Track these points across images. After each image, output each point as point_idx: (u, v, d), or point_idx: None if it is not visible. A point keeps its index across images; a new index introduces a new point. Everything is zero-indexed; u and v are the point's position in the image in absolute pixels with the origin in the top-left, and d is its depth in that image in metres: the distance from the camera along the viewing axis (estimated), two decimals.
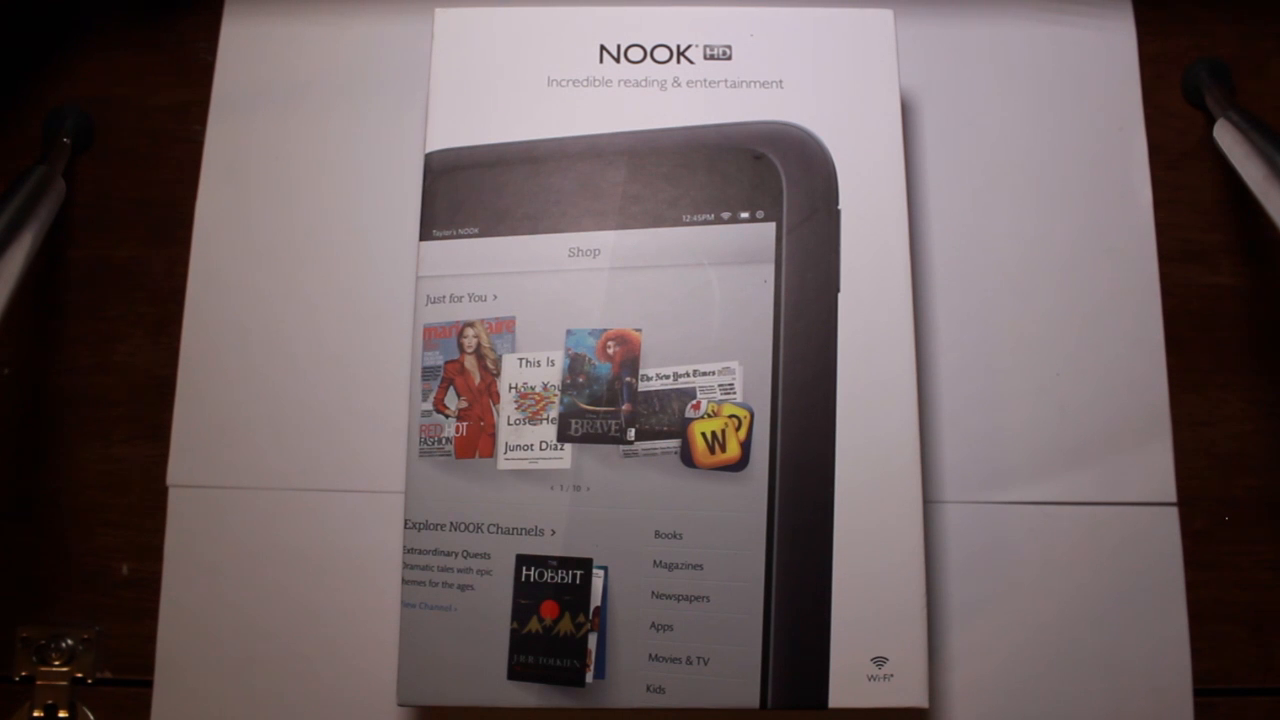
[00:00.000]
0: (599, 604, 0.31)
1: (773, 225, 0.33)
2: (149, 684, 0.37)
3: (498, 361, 0.33)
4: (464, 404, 0.33)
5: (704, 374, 0.32)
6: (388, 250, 0.39)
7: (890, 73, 0.35)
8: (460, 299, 0.33)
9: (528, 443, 0.32)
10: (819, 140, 0.34)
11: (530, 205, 0.33)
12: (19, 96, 0.42)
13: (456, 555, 0.32)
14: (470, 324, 0.33)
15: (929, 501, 0.37)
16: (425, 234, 0.34)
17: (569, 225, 0.33)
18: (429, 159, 0.34)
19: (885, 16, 0.35)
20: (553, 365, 0.32)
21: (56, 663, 0.37)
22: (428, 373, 0.33)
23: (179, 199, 0.40)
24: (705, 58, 0.35)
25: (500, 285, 0.33)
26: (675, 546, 0.31)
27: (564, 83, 0.35)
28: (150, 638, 0.37)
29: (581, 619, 0.31)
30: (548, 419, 0.32)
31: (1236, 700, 0.36)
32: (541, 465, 0.32)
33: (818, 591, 0.31)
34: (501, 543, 0.31)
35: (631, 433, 0.32)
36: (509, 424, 0.32)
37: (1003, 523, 0.37)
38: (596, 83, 0.35)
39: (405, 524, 0.32)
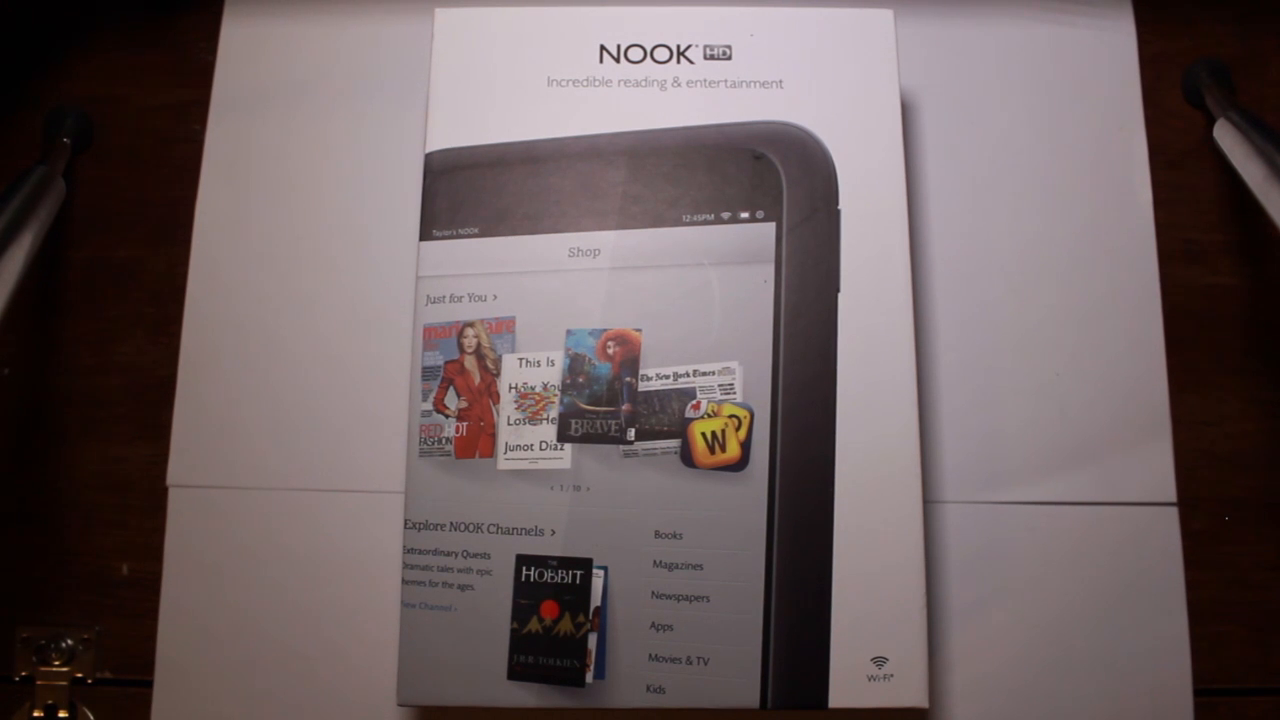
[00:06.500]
0: (599, 604, 0.31)
1: (773, 225, 0.33)
2: (149, 684, 0.37)
3: (498, 361, 0.33)
4: (464, 404, 0.33)
5: (704, 374, 0.32)
6: (388, 250, 0.39)
7: (890, 73, 0.35)
8: (460, 299, 0.33)
9: (528, 443, 0.32)
10: (819, 140, 0.34)
11: (530, 205, 0.33)
12: (19, 96, 0.42)
13: (456, 555, 0.32)
14: (470, 324, 0.33)
15: (929, 501, 0.37)
16: (425, 234, 0.34)
17: (569, 225, 0.33)
18: (429, 159, 0.34)
19: (885, 16, 0.35)
20: (553, 365, 0.32)
21: (56, 663, 0.37)
22: (428, 373, 0.33)
23: (179, 199, 0.40)
24: (705, 58, 0.35)
25: (500, 285, 0.33)
26: (675, 546, 0.31)
27: (564, 83, 0.35)
28: (150, 638, 0.37)
29: (581, 619, 0.31)
30: (548, 419, 0.32)
31: (1236, 700, 0.36)
32: (541, 465, 0.32)
33: (818, 591, 0.31)
34: (501, 543, 0.31)
35: (631, 433, 0.32)
36: (509, 424, 0.32)
37: (1003, 523, 0.37)
38: (596, 83, 0.35)
39: (405, 524, 0.32)
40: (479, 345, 0.33)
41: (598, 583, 0.31)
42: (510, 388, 0.33)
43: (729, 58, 0.35)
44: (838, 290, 0.33)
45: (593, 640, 0.31)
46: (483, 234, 0.33)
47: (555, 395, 0.32)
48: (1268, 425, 0.38)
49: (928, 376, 0.38)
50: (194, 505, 0.38)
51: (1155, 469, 0.37)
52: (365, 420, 0.38)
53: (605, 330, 0.32)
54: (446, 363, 0.33)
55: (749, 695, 0.30)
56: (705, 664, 0.31)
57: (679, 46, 0.35)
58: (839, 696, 0.30)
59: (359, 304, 0.39)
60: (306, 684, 0.36)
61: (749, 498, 0.31)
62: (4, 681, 0.37)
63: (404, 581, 0.32)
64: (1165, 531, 0.37)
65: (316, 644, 0.36)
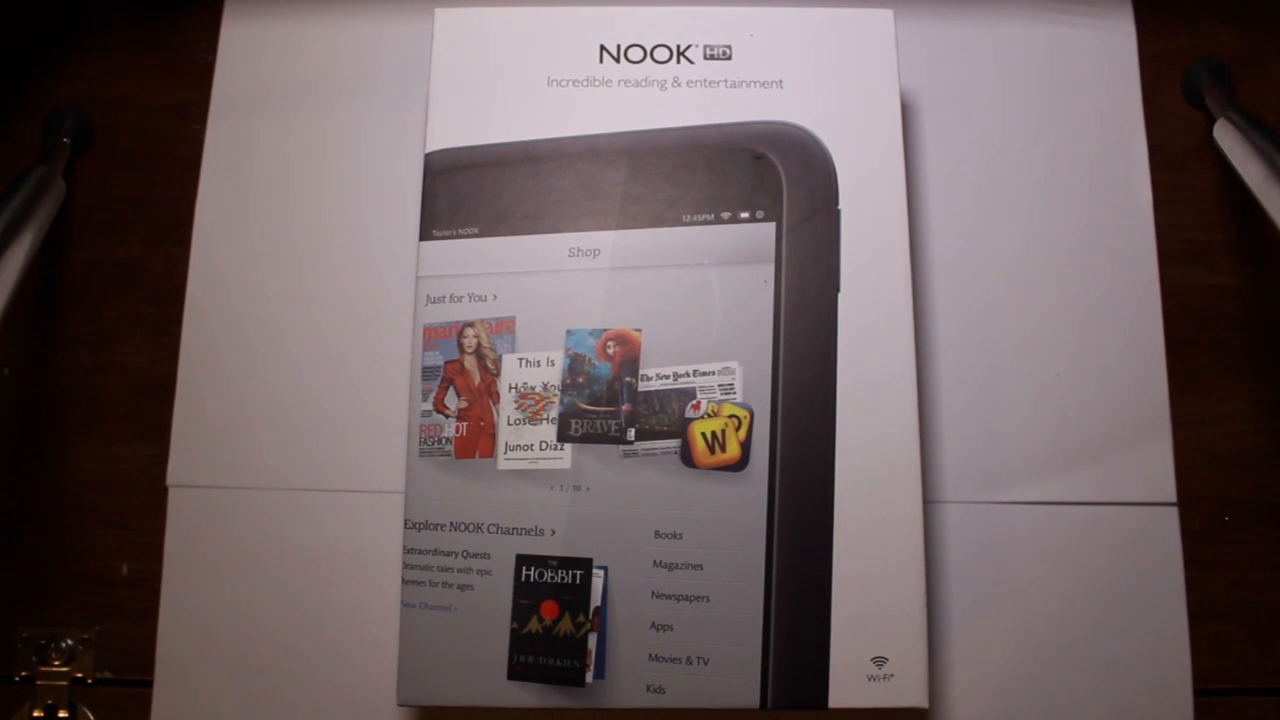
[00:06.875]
0: (599, 604, 0.31)
1: (773, 225, 0.33)
2: (149, 684, 0.37)
3: (498, 361, 0.33)
4: (464, 404, 0.33)
5: (704, 374, 0.32)
6: (388, 250, 0.39)
7: (890, 73, 0.35)
8: (460, 299, 0.33)
9: (528, 443, 0.32)
10: (819, 140, 0.34)
11: (530, 205, 0.33)
12: (19, 96, 0.42)
13: (456, 555, 0.32)
14: (470, 324, 0.33)
15: (929, 501, 0.37)
16: (425, 234, 0.34)
17: (569, 225, 0.33)
18: (429, 159, 0.34)
19: (885, 16, 0.35)
20: (553, 365, 0.32)
21: (56, 663, 0.37)
22: (428, 373, 0.33)
23: (179, 199, 0.40)
24: (705, 58, 0.35)
25: (500, 285, 0.33)
26: (675, 546, 0.31)
27: (564, 83, 0.35)
28: (150, 638, 0.37)
29: (581, 619, 0.31)
30: (548, 419, 0.32)
31: (1236, 700, 0.36)
32: (541, 465, 0.32)
33: (818, 591, 0.31)
34: (501, 543, 0.31)
35: (631, 433, 0.32)
36: (509, 424, 0.32)
37: (1003, 523, 0.37)
38: (596, 83, 0.35)
39: (405, 524, 0.32)
40: (479, 345, 0.33)
41: (598, 583, 0.31)
42: (510, 388, 0.33)
43: (729, 58, 0.35)
44: (838, 290, 0.33)
45: (593, 640, 0.31)
46: (483, 234, 0.33)
47: (555, 395, 0.32)
48: (1268, 425, 0.38)
49: (928, 376, 0.38)
50: (194, 505, 0.38)
51: (1155, 469, 0.37)
52: (365, 420, 0.38)
53: (605, 330, 0.32)
54: (446, 363, 0.33)
55: (749, 695, 0.30)
56: (705, 664, 0.31)
57: (679, 46, 0.35)
58: (839, 696, 0.30)
59: (359, 304, 0.39)
60: (306, 684, 0.36)
61: (749, 498, 0.31)
62: (4, 681, 0.37)
63: (404, 581, 0.32)
64: (1165, 531, 0.37)
65: (316, 644, 0.36)
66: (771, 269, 0.33)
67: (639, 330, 0.32)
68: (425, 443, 0.32)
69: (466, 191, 0.34)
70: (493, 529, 0.32)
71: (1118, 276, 0.39)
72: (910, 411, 0.32)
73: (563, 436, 0.32)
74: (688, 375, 0.32)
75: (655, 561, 0.31)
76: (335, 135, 0.40)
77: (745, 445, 0.32)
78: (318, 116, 0.41)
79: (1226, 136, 0.37)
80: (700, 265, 0.33)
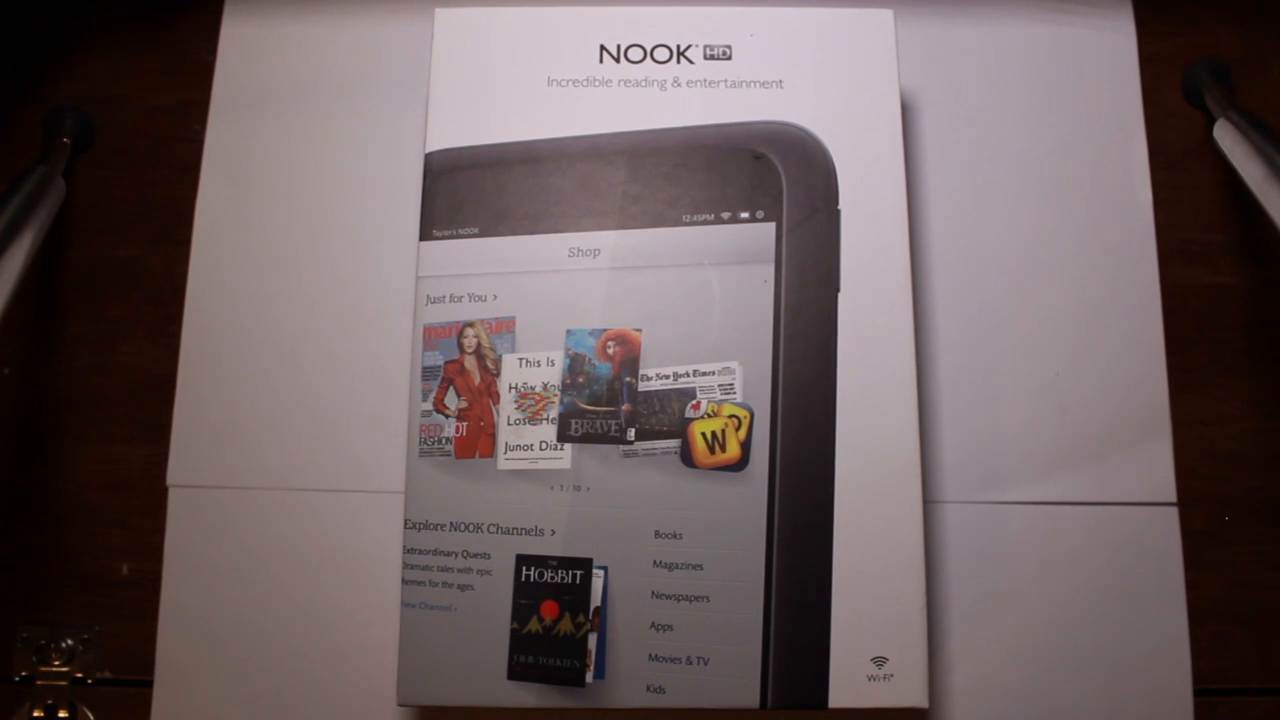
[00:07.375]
0: (599, 604, 0.31)
1: (773, 225, 0.33)
2: (149, 684, 0.37)
3: (498, 361, 0.33)
4: (464, 404, 0.33)
5: (704, 374, 0.32)
6: (388, 250, 0.39)
7: (890, 73, 0.35)
8: (460, 299, 0.33)
9: (528, 443, 0.32)
10: (819, 140, 0.34)
11: (530, 205, 0.33)
12: (19, 96, 0.42)
13: (456, 555, 0.32)
14: (470, 324, 0.33)
15: (929, 501, 0.37)
16: (425, 234, 0.34)
17: (569, 225, 0.33)
18: (429, 159, 0.34)
19: (885, 16, 0.35)
20: (553, 365, 0.32)
21: (56, 663, 0.37)
22: (428, 373, 0.33)
23: (179, 199, 0.40)
24: (705, 58, 0.35)
25: (500, 285, 0.33)
26: (675, 546, 0.31)
27: (564, 83, 0.35)
28: (150, 638, 0.37)
29: (581, 619, 0.31)
30: (548, 419, 0.32)
31: (1236, 700, 0.36)
32: (541, 465, 0.32)
33: (817, 591, 0.31)
34: (501, 543, 0.31)
35: (631, 433, 0.32)
36: (509, 424, 0.32)
37: (1003, 523, 0.37)
38: (596, 83, 0.35)
39: (405, 524, 0.32)
40: (479, 345, 0.33)
41: (598, 583, 0.31)
42: (510, 388, 0.33)
43: (729, 58, 0.35)
44: (838, 290, 0.33)
45: (593, 640, 0.31)
46: (483, 234, 0.33)
47: (555, 395, 0.32)
48: (1268, 425, 0.38)
49: (928, 376, 0.38)
50: (194, 505, 0.38)
51: (1155, 469, 0.37)
52: (365, 420, 0.38)
53: (605, 330, 0.32)
54: (446, 363, 0.33)
55: (749, 695, 0.30)
56: (705, 664, 0.31)
57: (679, 46, 0.35)
58: (839, 696, 0.30)
59: (359, 304, 0.39)
60: (306, 684, 0.36)
61: (749, 498, 0.31)
62: (4, 681, 0.37)
63: (404, 581, 0.32)
64: (1165, 531, 0.37)
65: (316, 644, 0.36)
66: (771, 269, 0.33)
67: (639, 330, 0.32)
68: (425, 443, 0.32)
69: (466, 191, 0.34)
70: (493, 529, 0.32)
71: (1118, 276, 0.39)
72: (910, 411, 0.32)
73: (563, 436, 0.32)
74: (688, 375, 0.32)
75: (655, 561, 0.31)
76: (335, 135, 0.40)
77: (745, 445, 0.32)
78: (318, 116, 0.41)
79: (1226, 136, 0.37)
80: (700, 265, 0.33)
